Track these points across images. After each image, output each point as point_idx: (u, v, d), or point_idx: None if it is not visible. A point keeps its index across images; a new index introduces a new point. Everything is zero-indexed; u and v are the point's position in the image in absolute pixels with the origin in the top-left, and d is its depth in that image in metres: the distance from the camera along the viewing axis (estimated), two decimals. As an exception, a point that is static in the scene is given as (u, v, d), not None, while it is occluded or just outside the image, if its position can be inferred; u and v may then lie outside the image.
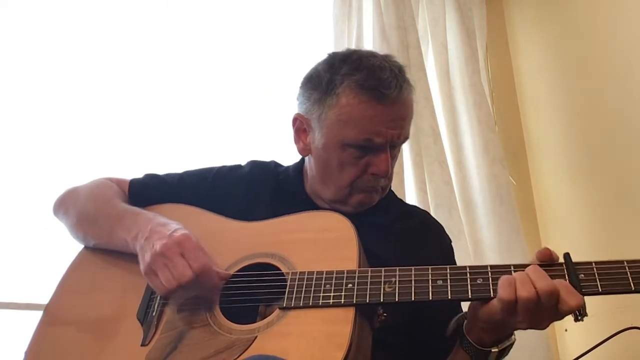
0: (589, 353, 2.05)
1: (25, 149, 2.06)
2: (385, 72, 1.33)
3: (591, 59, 2.48)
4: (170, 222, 1.29)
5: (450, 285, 1.12)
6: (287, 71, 2.37)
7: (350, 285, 1.15)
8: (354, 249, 1.21)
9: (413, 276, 1.14)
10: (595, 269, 1.08)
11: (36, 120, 2.10)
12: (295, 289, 1.18)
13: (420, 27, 2.66)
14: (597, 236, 2.36)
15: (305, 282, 1.18)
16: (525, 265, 1.10)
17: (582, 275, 1.07)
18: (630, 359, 2.14)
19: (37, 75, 2.13)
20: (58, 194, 1.56)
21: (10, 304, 1.93)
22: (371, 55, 1.40)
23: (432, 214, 2.31)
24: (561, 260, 1.12)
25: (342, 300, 1.14)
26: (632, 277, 1.05)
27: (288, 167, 1.57)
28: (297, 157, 1.56)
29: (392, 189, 2.18)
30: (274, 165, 1.58)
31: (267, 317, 1.18)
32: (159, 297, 1.29)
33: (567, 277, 1.07)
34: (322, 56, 1.46)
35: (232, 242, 1.34)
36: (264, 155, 1.65)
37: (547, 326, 1.08)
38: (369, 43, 2.48)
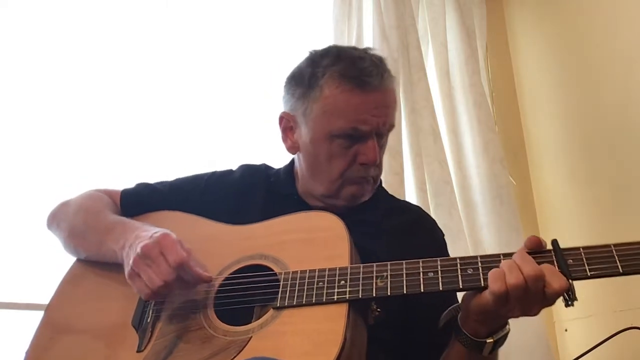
0: (589, 353, 2.06)
1: (25, 149, 2.07)
2: (366, 61, 1.35)
3: (591, 58, 2.48)
4: (156, 228, 1.29)
5: (441, 277, 1.13)
6: (287, 71, 2.36)
7: (342, 282, 1.16)
8: (346, 246, 1.22)
9: (404, 270, 1.15)
10: (583, 253, 1.08)
11: (36, 119, 2.10)
12: (288, 289, 1.18)
13: (420, 27, 2.66)
14: (596, 236, 2.36)
15: (298, 281, 1.19)
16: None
17: (571, 261, 1.08)
18: (630, 359, 2.14)
19: (37, 75, 2.13)
20: (57, 194, 1.57)
21: (10, 304, 1.93)
22: (352, 48, 1.44)
23: (432, 214, 2.31)
24: (549, 247, 1.12)
25: (335, 297, 1.14)
26: (619, 260, 1.06)
27: (279, 169, 1.57)
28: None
29: (392, 188, 2.21)
30: (265, 168, 1.59)
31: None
32: (153, 304, 1.29)
33: (555, 263, 1.08)
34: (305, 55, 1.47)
35: (225, 246, 1.34)
36: (264, 156, 1.66)
37: (538, 312, 1.09)
38: (369, 43, 2.47)
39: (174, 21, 2.39)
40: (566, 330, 2.47)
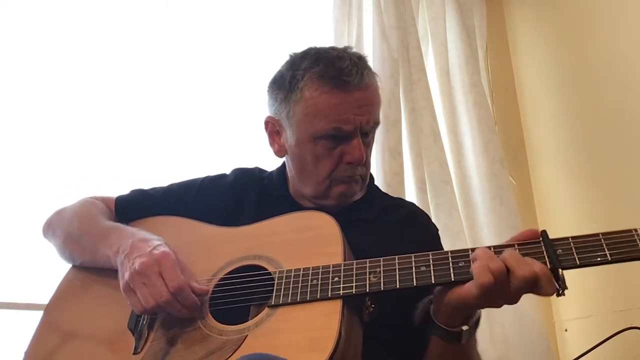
0: (589, 353, 2.06)
1: (25, 149, 2.07)
2: (344, 61, 1.35)
3: (591, 58, 2.48)
4: (152, 238, 1.30)
5: (434, 270, 1.13)
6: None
7: (336, 278, 1.16)
8: (339, 244, 1.23)
9: (397, 264, 1.16)
10: (572, 243, 1.09)
11: (35, 120, 2.10)
12: (282, 287, 1.19)
13: (420, 27, 2.66)
14: (597, 236, 2.36)
15: (292, 279, 1.19)
16: (505, 246, 1.12)
17: (560, 251, 1.09)
18: (630, 359, 2.14)
19: (37, 75, 2.14)
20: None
21: (10, 304, 1.93)
22: (330, 48, 1.43)
23: (432, 214, 2.32)
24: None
25: (329, 294, 1.15)
26: (608, 249, 1.08)
27: (272, 171, 1.58)
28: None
29: (392, 188, 2.21)
30: (258, 171, 1.60)
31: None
32: None
33: (545, 254, 1.09)
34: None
35: (219, 248, 1.35)
36: (263, 157, 1.66)
37: (518, 300, 1.10)
38: (369, 43, 2.48)
39: (174, 21, 2.39)
40: (566, 330, 2.47)
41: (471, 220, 2.47)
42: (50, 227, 1.53)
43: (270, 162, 1.64)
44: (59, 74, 2.16)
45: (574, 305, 2.41)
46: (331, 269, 1.18)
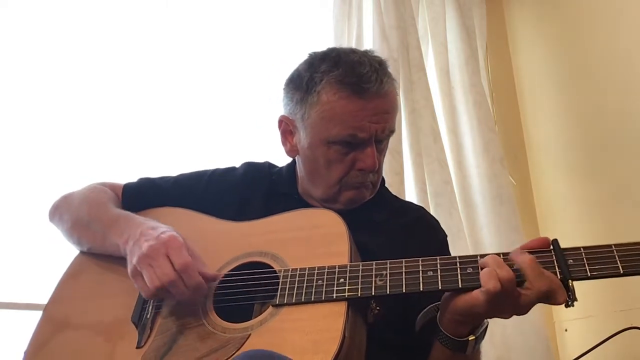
0: (589, 353, 2.06)
1: (25, 149, 2.07)
2: (365, 66, 1.32)
3: (591, 58, 2.48)
4: (161, 225, 1.29)
5: (441, 276, 1.12)
6: (287, 70, 2.36)
7: (342, 279, 1.16)
8: (345, 244, 1.22)
9: (404, 268, 1.15)
10: (583, 253, 1.08)
11: (36, 119, 2.10)
12: (287, 286, 1.18)
13: (420, 27, 2.67)
14: (597, 236, 2.36)
15: (297, 279, 1.19)
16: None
17: (571, 261, 1.07)
18: (630, 359, 2.14)
19: (37, 74, 2.13)
20: (58, 193, 1.56)
21: (10, 304, 1.93)
22: (350, 51, 1.40)
23: (432, 213, 2.30)
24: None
25: (334, 295, 1.14)
26: (620, 261, 1.05)
27: (281, 168, 1.57)
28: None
29: (392, 188, 2.20)
30: (268, 167, 1.58)
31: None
32: (153, 300, 1.29)
33: (555, 263, 1.08)
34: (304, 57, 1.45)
35: (225, 243, 1.34)
36: (265, 155, 1.66)
37: (528, 311, 1.09)
38: (369, 43, 2.48)
39: (174, 21, 2.39)
40: (566, 330, 2.47)
41: (471, 220, 2.47)
42: (57, 212, 1.52)
43: (266, 157, 1.63)
44: (60, 72, 2.16)
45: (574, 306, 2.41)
46: (337, 270, 1.17)
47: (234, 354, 1.12)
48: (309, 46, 2.49)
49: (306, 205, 1.45)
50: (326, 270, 1.18)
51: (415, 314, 1.27)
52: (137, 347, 1.24)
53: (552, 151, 2.67)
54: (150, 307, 1.29)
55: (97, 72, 2.22)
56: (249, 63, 2.45)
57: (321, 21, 2.58)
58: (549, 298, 1.05)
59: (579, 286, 1.07)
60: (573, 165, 2.55)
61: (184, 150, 2.27)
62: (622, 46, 2.31)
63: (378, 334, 1.23)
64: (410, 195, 2.34)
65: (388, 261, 1.17)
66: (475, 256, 1.14)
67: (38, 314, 1.39)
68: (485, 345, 2.19)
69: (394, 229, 1.42)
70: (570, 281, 1.05)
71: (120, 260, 1.31)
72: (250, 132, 2.36)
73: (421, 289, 1.12)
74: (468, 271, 1.11)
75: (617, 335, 2.01)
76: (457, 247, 2.29)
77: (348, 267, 1.18)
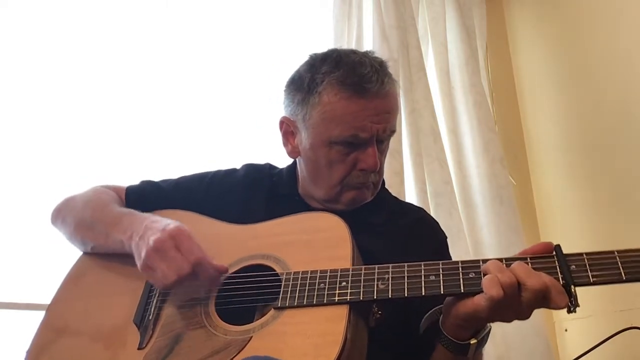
0: (589, 353, 2.06)
1: (25, 149, 2.07)
2: (366, 67, 1.33)
3: (591, 58, 2.48)
4: (164, 219, 1.29)
5: (443, 280, 1.12)
6: (287, 70, 2.36)
7: (344, 283, 1.15)
8: (348, 248, 1.22)
9: (406, 272, 1.14)
10: (586, 259, 1.07)
11: (36, 119, 2.10)
12: (289, 289, 1.18)
13: (420, 27, 2.67)
14: (597, 236, 2.36)
15: (299, 282, 1.18)
16: (517, 259, 1.11)
17: (574, 267, 1.07)
18: (630, 359, 2.14)
19: (38, 74, 2.13)
20: (58, 194, 1.56)
21: (10, 304, 1.93)
22: (351, 52, 1.40)
23: (432, 214, 2.31)
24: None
25: (336, 299, 1.14)
26: (622, 267, 1.05)
27: (282, 169, 1.57)
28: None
29: (392, 188, 2.20)
30: (269, 168, 1.58)
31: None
32: (155, 301, 1.30)
33: (558, 269, 1.07)
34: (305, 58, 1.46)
35: (227, 245, 1.34)
36: (265, 156, 1.66)
37: (529, 315, 1.09)
38: (369, 43, 2.48)
39: (174, 21, 2.39)
40: (566, 330, 2.47)
41: (471, 220, 2.48)
42: (60, 214, 1.51)
43: (266, 158, 1.63)
44: (60, 72, 2.16)
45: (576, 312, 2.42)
46: (339, 274, 1.17)
47: (235, 356, 1.12)
48: (309, 46, 2.50)
49: (307, 206, 1.45)
50: (328, 273, 1.18)
51: (416, 318, 1.27)
52: (138, 348, 1.24)
53: (552, 151, 2.67)
54: (153, 308, 1.29)
55: (98, 73, 2.22)
56: (249, 63, 2.45)
57: (321, 21, 2.58)
58: (546, 298, 1.04)
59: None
60: (573, 165, 2.55)
61: (184, 152, 2.27)
62: (622, 46, 2.31)
63: (379, 337, 1.23)
64: (410, 195, 2.34)
65: (390, 265, 1.17)
66: (478, 261, 1.13)
67: (38, 314, 1.39)
68: (486, 345, 2.21)
69: (393, 230, 1.43)
70: (572, 287, 1.04)
71: (124, 259, 1.32)
72: (250, 133, 2.36)
73: (423, 294, 1.12)
74: (470, 276, 1.11)
75: (617, 335, 2.01)
76: (457, 247, 2.29)
77: (350, 271, 1.17)
